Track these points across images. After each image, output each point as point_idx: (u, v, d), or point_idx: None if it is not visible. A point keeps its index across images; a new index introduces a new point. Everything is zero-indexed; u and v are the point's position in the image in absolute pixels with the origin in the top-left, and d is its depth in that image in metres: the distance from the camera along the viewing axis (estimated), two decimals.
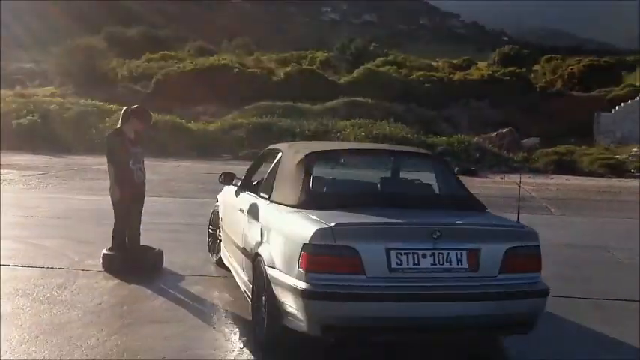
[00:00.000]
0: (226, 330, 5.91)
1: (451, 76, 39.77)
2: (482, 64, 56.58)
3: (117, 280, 7.37)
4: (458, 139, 23.84)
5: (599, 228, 11.98)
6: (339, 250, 4.67)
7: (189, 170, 20.13)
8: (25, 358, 5.12)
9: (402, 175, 6.70)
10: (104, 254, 7.85)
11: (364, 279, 4.67)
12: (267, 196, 5.91)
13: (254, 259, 5.56)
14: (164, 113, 27.79)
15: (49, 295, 6.77)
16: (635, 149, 24.94)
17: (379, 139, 22.94)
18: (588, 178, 20.64)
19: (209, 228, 8.57)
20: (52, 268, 7.84)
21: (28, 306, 6.40)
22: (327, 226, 4.72)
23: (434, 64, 52.92)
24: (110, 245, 7.95)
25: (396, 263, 4.72)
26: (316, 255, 4.68)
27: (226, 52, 63.18)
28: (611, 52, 78.99)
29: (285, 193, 5.61)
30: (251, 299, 5.71)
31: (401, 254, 4.73)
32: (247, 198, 6.53)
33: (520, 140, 26.24)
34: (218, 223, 8.03)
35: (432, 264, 4.78)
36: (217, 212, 8.13)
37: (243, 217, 6.28)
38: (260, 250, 5.40)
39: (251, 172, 7.21)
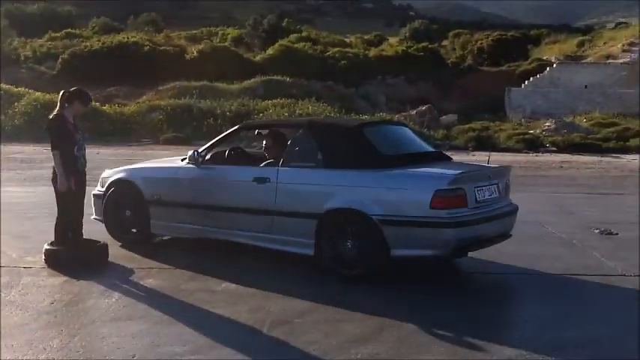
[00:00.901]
0: (193, 323, 5.76)
1: (366, 52, 39.95)
2: (393, 40, 57.20)
3: (64, 277, 7.08)
4: (380, 117, 24.00)
5: (529, 203, 12.26)
6: (456, 192, 6.62)
7: (110, 157, 19.47)
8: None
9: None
10: (47, 249, 7.52)
11: (466, 210, 6.68)
12: (313, 164, 7.29)
13: (324, 216, 6.95)
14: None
15: None
16: (547, 124, 25.72)
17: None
18: (507, 153, 21.15)
19: (105, 210, 8.49)
20: None
21: None
22: (452, 176, 6.72)
23: (347, 40, 53.12)
24: (52, 240, 7.62)
25: (479, 197, 6.87)
26: (443, 197, 6.53)
27: (133, 28, 61.76)
28: (513, 26, 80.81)
29: (350, 159, 7.16)
30: (315, 247, 7.04)
31: (479, 190, 6.86)
32: (262, 169, 7.60)
33: (439, 117, 26.65)
34: (141, 199, 8.27)
35: (489, 195, 7.03)
36: (138, 190, 8.31)
37: (269, 185, 7.31)
38: (349, 206, 6.86)
39: (216, 147, 8.18)
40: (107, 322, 5.78)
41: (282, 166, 7.40)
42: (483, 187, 6.94)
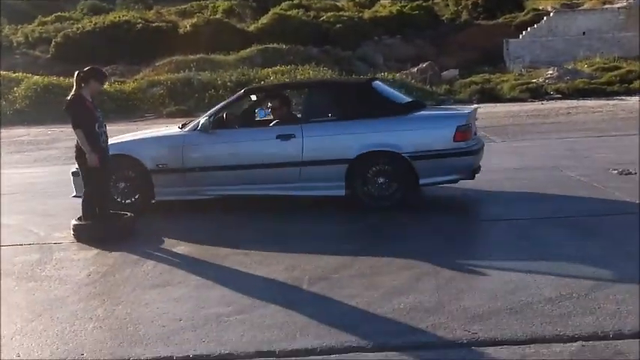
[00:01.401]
0: (232, 285, 5.81)
1: (360, 14, 39.61)
2: (384, 1, 56.63)
3: (95, 250, 7.12)
4: (383, 77, 23.88)
5: (544, 149, 12.30)
6: (469, 127, 8.04)
7: (114, 134, 19.40)
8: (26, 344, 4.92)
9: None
10: (76, 225, 7.55)
11: (473, 142, 8.15)
12: (335, 118, 8.33)
13: (355, 160, 7.96)
14: (69, 77, 26.72)
15: (30, 272, 6.50)
16: (549, 72, 25.62)
17: None
18: (513, 103, 21.11)
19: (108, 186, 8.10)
20: (21, 245, 7.52)
21: (15, 285, 6.14)
22: (465, 114, 8.25)
23: (338, 4, 52.60)
24: (80, 215, 7.65)
25: (474, 133, 8.30)
26: (463, 131, 7.89)
27: (122, 7, 61.16)
28: None
29: (369, 109, 8.28)
30: (346, 188, 8.06)
31: (472, 126, 8.25)
32: (284, 127, 8.35)
33: (440, 73, 26.52)
34: (143, 170, 8.42)
35: (474, 133, 8.35)
36: (137, 161, 8.44)
37: (295, 141, 8.08)
38: (382, 146, 7.95)
39: (220, 113, 8.68)
40: (147, 289, 5.83)
41: (303, 123, 8.30)
42: (473, 125, 8.30)
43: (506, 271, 5.73)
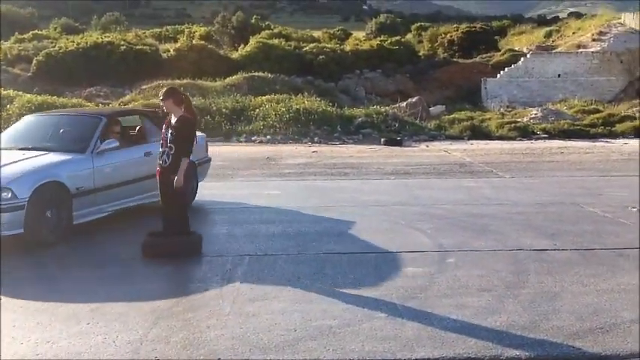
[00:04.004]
0: (326, 300, 6.22)
1: (342, 47, 40.40)
2: (359, 35, 57.78)
3: (174, 266, 7.46)
4: (375, 110, 24.48)
5: (555, 187, 12.95)
6: None
7: None
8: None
9: None
10: (147, 240, 7.87)
11: None
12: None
13: None
14: (51, 95, 26.82)
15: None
16: (534, 112, 26.55)
17: (300, 113, 23.24)
18: (503, 141, 21.88)
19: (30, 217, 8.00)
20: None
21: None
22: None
23: (315, 35, 53.50)
24: (151, 231, 8.01)
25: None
26: None
27: (96, 27, 61.25)
28: (468, 18, 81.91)
29: None
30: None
31: None
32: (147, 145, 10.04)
33: (428, 108, 27.28)
34: (67, 195, 8.54)
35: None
36: (64, 186, 8.54)
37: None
38: None
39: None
40: (246, 303, 6.19)
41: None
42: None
43: (584, 295, 6.28)
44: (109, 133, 9.59)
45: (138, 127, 10.56)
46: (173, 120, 7.84)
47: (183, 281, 7.06)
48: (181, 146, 7.72)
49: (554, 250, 8.01)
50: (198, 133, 9.85)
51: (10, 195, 7.77)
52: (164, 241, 7.83)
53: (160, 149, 7.95)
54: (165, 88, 8.19)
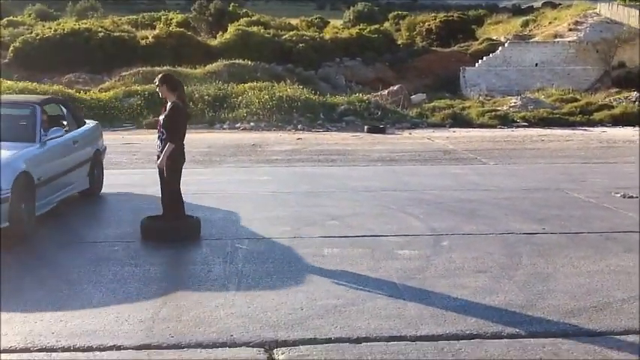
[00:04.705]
0: (329, 281, 6.41)
1: (322, 35, 40.55)
2: (337, 23, 57.97)
3: (170, 248, 7.61)
4: (357, 98, 24.72)
5: (539, 173, 13.25)
6: None
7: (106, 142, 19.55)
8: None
9: None
10: (146, 224, 8.00)
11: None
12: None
13: None
14: (31, 82, 26.67)
15: (134, 260, 6.95)
16: (513, 100, 26.94)
17: (284, 101, 23.40)
18: (484, 129, 22.24)
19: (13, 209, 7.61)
20: (96, 242, 7.94)
21: (118, 270, 6.59)
22: None
23: (293, 23, 53.52)
24: (146, 216, 8.15)
25: None
26: None
27: (72, 14, 60.79)
28: (446, 7, 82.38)
29: None
30: None
31: None
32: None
33: (409, 96, 27.55)
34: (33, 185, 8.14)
35: None
36: (31, 177, 8.13)
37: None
38: None
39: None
40: (252, 282, 6.36)
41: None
42: None
43: (576, 276, 6.54)
44: (43, 122, 9.14)
45: (58, 115, 10.20)
46: (168, 106, 7.99)
47: (185, 263, 7.20)
48: (170, 132, 7.85)
49: (544, 233, 8.26)
50: (90, 121, 10.52)
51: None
52: (163, 225, 7.97)
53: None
54: (161, 74, 8.28)
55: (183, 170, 8.16)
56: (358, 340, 5.07)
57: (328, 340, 5.07)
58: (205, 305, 5.77)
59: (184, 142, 8.07)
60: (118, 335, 5.12)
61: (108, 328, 5.26)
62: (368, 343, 5.02)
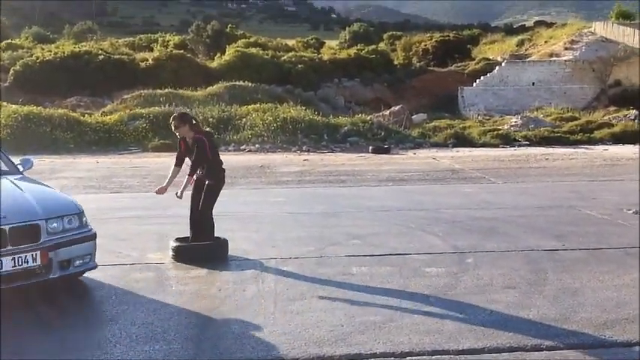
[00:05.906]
0: (363, 298, 6.57)
1: (320, 56, 40.95)
2: (332, 43, 58.52)
3: (202, 270, 7.75)
4: (360, 118, 25.04)
5: (548, 191, 13.47)
6: None
7: (115, 166, 19.60)
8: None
9: None
10: (177, 246, 8.16)
11: None
12: None
13: None
14: (31, 105, 26.85)
15: (161, 288, 7.09)
16: (514, 119, 27.26)
17: (287, 122, 23.64)
18: (487, 149, 22.52)
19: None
20: (125, 264, 8.08)
21: (150, 299, 6.73)
22: None
23: (290, 44, 53.95)
24: (176, 237, 8.33)
25: None
26: None
27: (69, 37, 61.15)
28: (437, 26, 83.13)
29: None
30: None
31: None
32: None
33: (411, 116, 27.86)
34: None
35: None
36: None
37: None
38: None
39: None
40: (288, 302, 6.51)
41: None
42: None
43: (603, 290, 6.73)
44: None
45: None
46: (189, 141, 8.24)
47: (219, 283, 7.34)
48: (195, 163, 8.18)
49: (564, 250, 8.45)
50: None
51: None
52: (192, 246, 8.15)
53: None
54: (175, 115, 8.43)
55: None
56: (402, 355, 5.24)
57: (374, 355, 5.23)
58: (247, 324, 5.92)
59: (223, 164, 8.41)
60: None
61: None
62: (412, 357, 5.19)
